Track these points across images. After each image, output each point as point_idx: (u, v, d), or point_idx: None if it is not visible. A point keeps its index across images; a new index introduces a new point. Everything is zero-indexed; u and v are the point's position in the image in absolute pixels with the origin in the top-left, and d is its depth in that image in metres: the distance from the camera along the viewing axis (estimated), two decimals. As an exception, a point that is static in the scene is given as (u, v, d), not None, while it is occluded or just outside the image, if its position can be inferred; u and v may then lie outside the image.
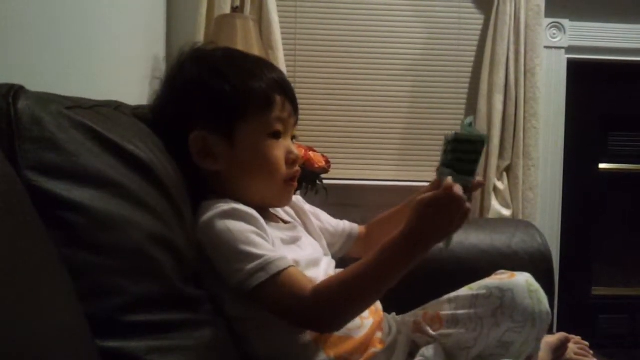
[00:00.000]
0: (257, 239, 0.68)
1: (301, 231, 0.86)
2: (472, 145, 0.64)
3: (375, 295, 0.68)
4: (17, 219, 0.42)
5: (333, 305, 0.66)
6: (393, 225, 0.89)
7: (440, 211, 0.62)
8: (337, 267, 0.87)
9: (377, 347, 0.74)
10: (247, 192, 0.76)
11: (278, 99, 0.75)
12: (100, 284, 0.52)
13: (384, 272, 0.65)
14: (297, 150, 0.80)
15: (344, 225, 0.95)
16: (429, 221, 0.63)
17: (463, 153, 0.64)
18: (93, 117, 0.59)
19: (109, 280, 0.53)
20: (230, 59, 0.78)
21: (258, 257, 0.66)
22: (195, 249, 0.68)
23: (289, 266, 0.67)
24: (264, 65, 0.79)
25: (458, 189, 0.61)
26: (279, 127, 0.76)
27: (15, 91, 0.52)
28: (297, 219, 0.90)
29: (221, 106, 0.74)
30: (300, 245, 0.81)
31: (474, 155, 0.64)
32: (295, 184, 0.81)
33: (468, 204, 0.62)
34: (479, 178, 0.66)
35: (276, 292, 0.66)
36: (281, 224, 0.83)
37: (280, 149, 0.77)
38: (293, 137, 0.82)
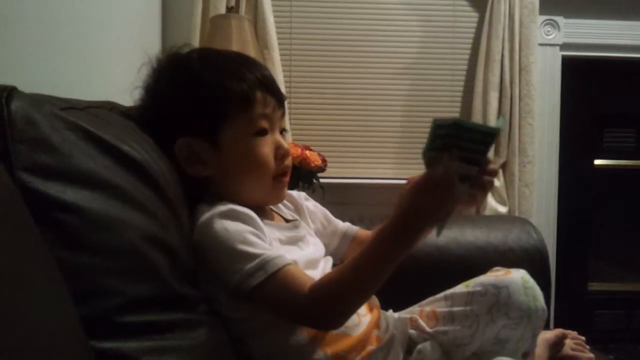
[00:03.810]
0: (255, 239, 0.67)
1: (304, 229, 0.85)
2: (481, 135, 0.61)
3: (374, 285, 0.67)
4: (9, 220, 0.42)
5: (333, 299, 0.66)
6: None
7: (429, 192, 0.60)
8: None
9: (374, 345, 0.74)
10: (239, 193, 0.75)
11: (259, 95, 0.73)
12: (95, 285, 0.52)
13: (380, 261, 0.64)
14: (287, 144, 0.78)
15: (342, 225, 0.94)
16: (417, 204, 0.61)
17: (470, 142, 0.60)
18: (87, 118, 0.59)
19: (104, 281, 0.53)
20: (205, 61, 0.76)
21: (256, 256, 0.66)
22: (191, 249, 0.68)
23: (288, 264, 0.67)
24: (242, 63, 0.76)
25: (443, 169, 0.59)
26: (263, 124, 0.74)
27: (8, 92, 0.52)
28: (297, 216, 0.89)
29: (201, 112, 0.73)
30: (301, 245, 0.80)
31: (482, 146, 0.61)
32: (287, 179, 0.79)
33: (460, 188, 0.60)
34: (493, 165, 0.64)
35: (276, 291, 0.65)
36: (282, 223, 0.83)
37: (268, 145, 0.75)
38: (283, 130, 0.80)
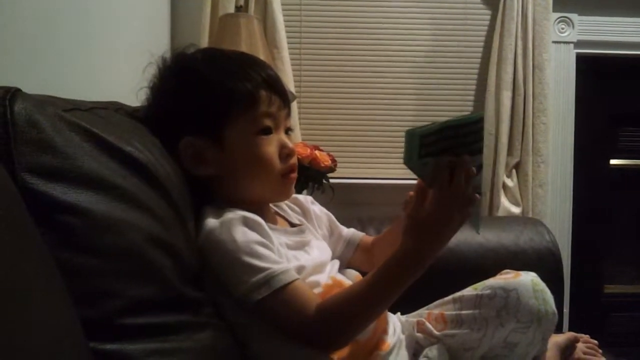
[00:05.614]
0: (262, 250, 0.67)
1: (310, 233, 0.84)
2: (474, 125, 0.65)
3: (379, 311, 0.69)
4: (9, 222, 0.42)
5: (337, 324, 0.65)
6: (388, 245, 0.88)
7: (446, 203, 0.64)
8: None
9: (381, 350, 0.73)
10: (245, 192, 0.75)
11: (263, 94, 0.73)
12: (98, 286, 0.52)
13: (387, 288, 0.65)
14: (291, 144, 0.78)
15: (347, 231, 0.94)
16: (433, 221, 0.65)
17: (470, 135, 0.64)
18: (91, 119, 0.59)
19: (107, 283, 0.52)
20: (209, 61, 0.76)
21: (262, 270, 0.65)
22: (196, 251, 0.67)
23: (294, 280, 0.66)
24: (246, 63, 0.76)
25: (466, 172, 0.62)
26: (267, 122, 0.74)
27: (11, 94, 0.52)
28: (304, 220, 0.88)
29: (205, 111, 0.73)
30: (308, 250, 0.80)
31: (473, 135, 0.65)
32: (294, 176, 0.79)
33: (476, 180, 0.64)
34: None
35: (279, 307, 0.65)
36: (288, 228, 0.82)
37: (272, 144, 0.75)
38: (289, 130, 0.80)
